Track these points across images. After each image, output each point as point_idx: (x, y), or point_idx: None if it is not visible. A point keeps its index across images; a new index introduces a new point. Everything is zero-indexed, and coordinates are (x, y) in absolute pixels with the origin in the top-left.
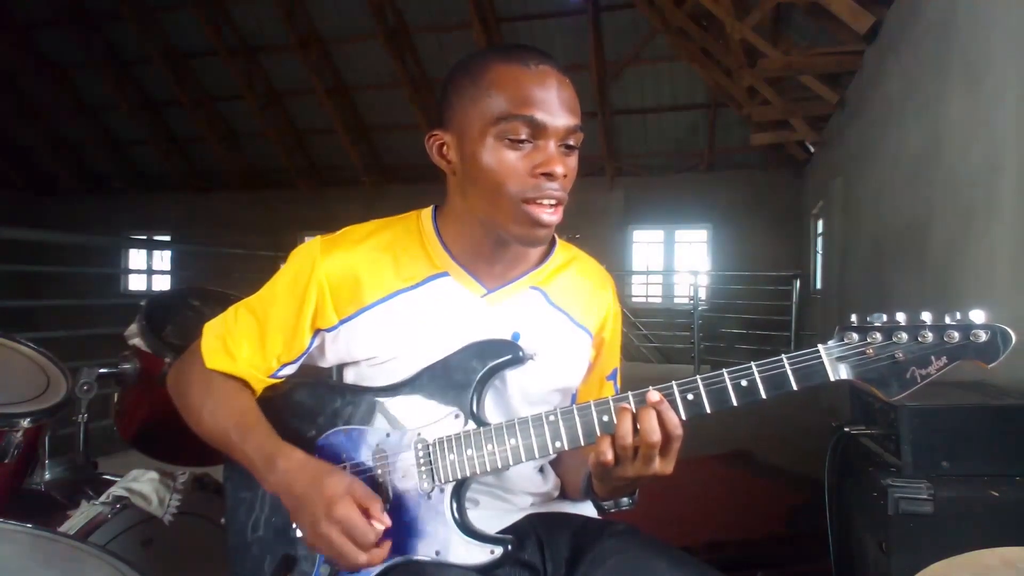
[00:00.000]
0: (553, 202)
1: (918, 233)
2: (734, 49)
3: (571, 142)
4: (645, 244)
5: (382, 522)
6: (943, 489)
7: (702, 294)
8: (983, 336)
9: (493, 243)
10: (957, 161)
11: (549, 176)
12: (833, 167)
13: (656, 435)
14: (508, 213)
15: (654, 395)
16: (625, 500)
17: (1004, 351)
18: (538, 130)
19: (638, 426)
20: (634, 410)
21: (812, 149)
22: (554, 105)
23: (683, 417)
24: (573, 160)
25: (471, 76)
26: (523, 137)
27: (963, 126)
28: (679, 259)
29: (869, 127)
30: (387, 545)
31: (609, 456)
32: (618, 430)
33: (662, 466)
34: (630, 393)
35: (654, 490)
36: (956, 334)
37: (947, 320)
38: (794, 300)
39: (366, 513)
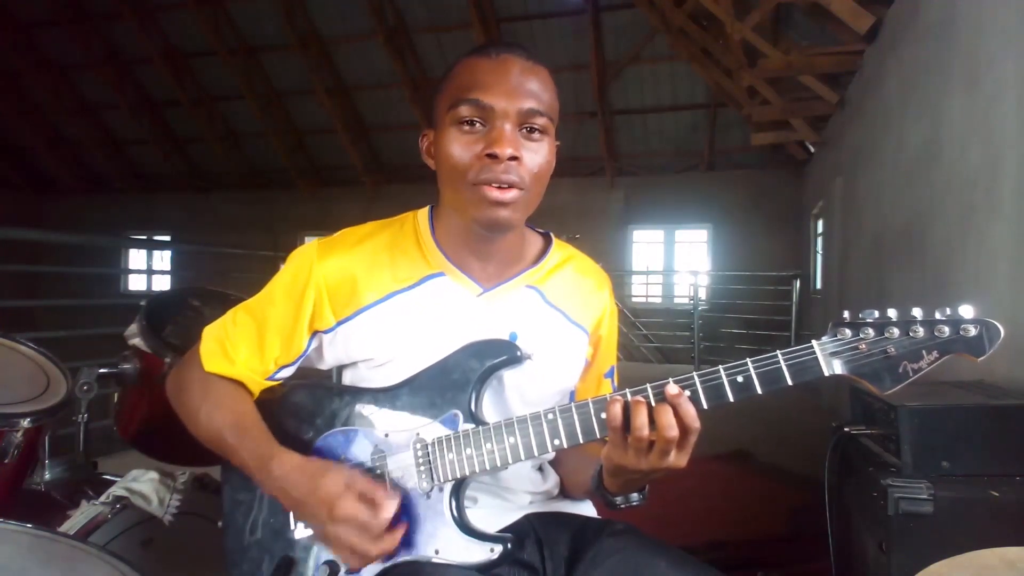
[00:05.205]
0: (505, 185)
1: (918, 233)
2: (734, 49)
3: (535, 127)
4: (645, 244)
5: (388, 509)
6: (943, 489)
7: (702, 294)
8: (972, 330)
9: (476, 238)
10: (957, 161)
11: (493, 157)
12: (833, 167)
13: (674, 431)
14: (465, 196)
15: (673, 388)
16: (635, 495)
17: (993, 345)
18: (486, 112)
19: (654, 420)
20: (652, 403)
21: (812, 149)
22: (506, 88)
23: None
24: (538, 146)
25: (446, 74)
26: (473, 119)
27: (963, 126)
28: (679, 259)
29: (869, 127)
30: (400, 529)
31: (623, 450)
32: (633, 422)
33: (677, 459)
34: (648, 385)
35: (654, 490)
36: (946, 328)
37: (937, 315)
38: (794, 300)
39: (371, 503)
